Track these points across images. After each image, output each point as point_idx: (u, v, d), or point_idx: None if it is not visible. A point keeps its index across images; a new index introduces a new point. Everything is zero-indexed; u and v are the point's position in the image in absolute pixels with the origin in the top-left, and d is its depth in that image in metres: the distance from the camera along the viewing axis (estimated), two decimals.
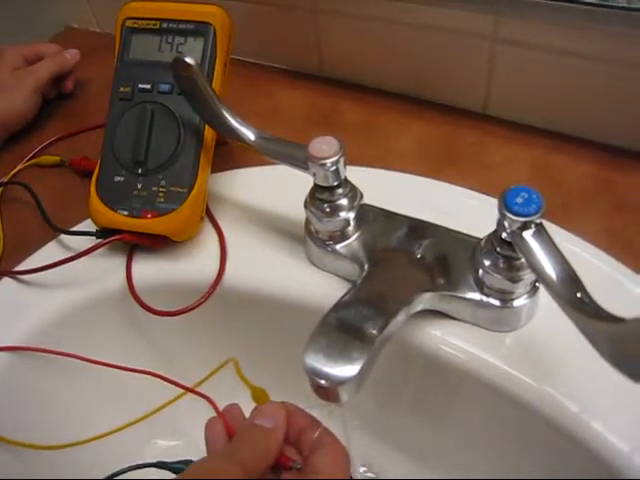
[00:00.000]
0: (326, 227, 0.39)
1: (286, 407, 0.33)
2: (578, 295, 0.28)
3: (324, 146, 0.36)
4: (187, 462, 0.35)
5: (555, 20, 0.43)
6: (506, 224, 0.31)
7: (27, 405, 0.44)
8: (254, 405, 0.34)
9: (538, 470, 0.39)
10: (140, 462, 0.37)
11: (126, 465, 0.37)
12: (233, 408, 0.34)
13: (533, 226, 0.31)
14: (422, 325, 0.38)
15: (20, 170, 0.55)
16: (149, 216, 0.42)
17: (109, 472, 0.37)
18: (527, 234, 0.31)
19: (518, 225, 0.31)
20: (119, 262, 0.45)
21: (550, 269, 0.30)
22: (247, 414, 0.34)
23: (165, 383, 0.39)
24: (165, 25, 0.44)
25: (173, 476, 0.35)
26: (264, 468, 0.30)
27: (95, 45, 0.69)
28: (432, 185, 0.46)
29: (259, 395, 0.34)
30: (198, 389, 0.37)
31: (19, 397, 0.44)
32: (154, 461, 0.36)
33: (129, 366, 0.41)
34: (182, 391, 0.38)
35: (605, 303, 0.28)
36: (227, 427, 0.33)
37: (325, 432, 0.32)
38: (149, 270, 0.44)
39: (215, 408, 0.34)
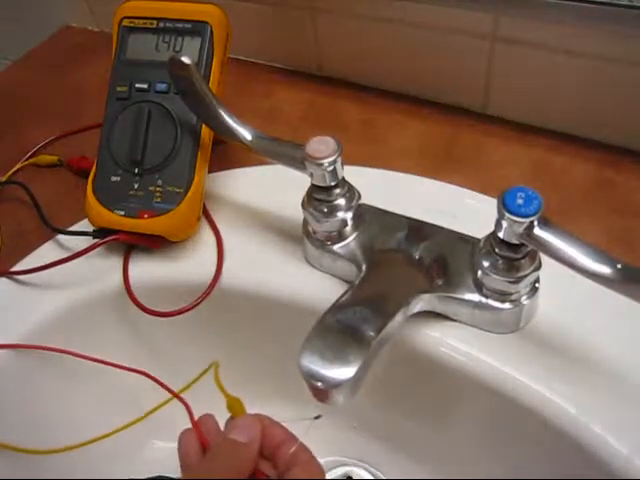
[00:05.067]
0: (323, 227, 0.39)
1: (262, 420, 0.32)
2: (619, 266, 0.28)
3: (321, 146, 0.36)
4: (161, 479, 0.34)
5: (555, 19, 0.42)
6: (507, 225, 0.31)
7: (21, 405, 0.44)
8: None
9: (536, 471, 0.38)
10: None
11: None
12: (208, 418, 0.33)
13: (536, 222, 0.30)
14: (421, 327, 0.38)
15: (17, 170, 0.55)
16: (146, 216, 0.42)
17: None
18: (539, 231, 0.30)
19: (525, 226, 0.30)
20: (116, 262, 0.44)
21: (579, 253, 0.30)
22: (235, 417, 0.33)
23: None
24: (162, 24, 0.44)
25: None
26: None
27: (93, 44, 0.69)
28: (431, 185, 0.46)
29: (234, 405, 0.33)
30: (188, 392, 0.35)
31: (13, 397, 0.43)
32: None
33: (125, 365, 0.41)
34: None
35: None
36: (201, 439, 0.32)
37: (301, 448, 0.31)
38: (146, 270, 0.44)
39: (191, 418, 0.33)
